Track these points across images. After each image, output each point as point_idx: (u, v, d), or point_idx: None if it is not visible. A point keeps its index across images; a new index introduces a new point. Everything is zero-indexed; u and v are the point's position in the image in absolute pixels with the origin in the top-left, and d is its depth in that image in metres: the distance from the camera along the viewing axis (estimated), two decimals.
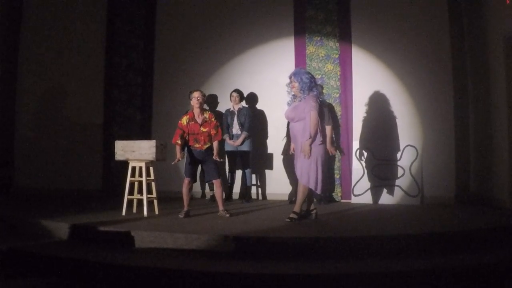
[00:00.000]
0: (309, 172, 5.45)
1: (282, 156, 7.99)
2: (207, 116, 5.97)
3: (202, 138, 5.92)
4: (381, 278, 3.84)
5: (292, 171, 7.63)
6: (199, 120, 5.93)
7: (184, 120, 5.94)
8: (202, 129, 5.91)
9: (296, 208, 5.57)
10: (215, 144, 5.97)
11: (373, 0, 8.03)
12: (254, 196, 8.12)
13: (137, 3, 8.90)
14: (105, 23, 8.93)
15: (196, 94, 5.96)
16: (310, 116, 5.41)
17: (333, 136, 7.30)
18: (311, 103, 5.44)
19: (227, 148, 7.69)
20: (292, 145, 5.82)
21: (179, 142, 5.90)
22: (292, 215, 5.52)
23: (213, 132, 5.94)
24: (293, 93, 5.70)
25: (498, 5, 6.64)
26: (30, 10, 9.13)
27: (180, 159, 5.88)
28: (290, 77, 5.67)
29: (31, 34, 9.09)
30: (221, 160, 6.07)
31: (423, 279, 3.87)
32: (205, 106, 7.83)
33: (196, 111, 5.96)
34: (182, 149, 5.97)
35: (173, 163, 5.89)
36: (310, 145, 5.41)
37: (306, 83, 5.52)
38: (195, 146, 5.94)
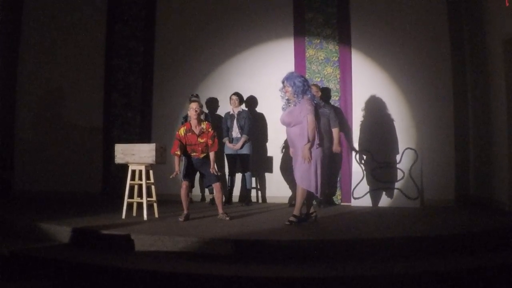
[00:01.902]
0: (309, 176, 5.44)
1: (281, 160, 7.98)
2: (204, 127, 5.98)
3: (200, 148, 5.93)
4: (381, 281, 3.84)
5: (291, 175, 7.67)
6: (197, 131, 5.94)
7: (182, 131, 5.95)
8: (200, 140, 5.92)
9: (296, 211, 5.57)
10: (212, 155, 5.96)
11: (373, 3, 8.04)
12: (254, 199, 8.11)
13: (137, 6, 8.91)
14: (105, 26, 8.95)
15: (193, 106, 5.97)
16: (308, 120, 5.39)
17: (341, 138, 7.42)
18: (306, 106, 5.42)
19: (227, 151, 7.69)
20: (291, 149, 5.81)
21: (178, 152, 5.89)
22: (291, 218, 5.52)
23: (209, 142, 5.94)
24: (287, 98, 5.68)
25: (497, 8, 6.65)
26: (30, 13, 9.14)
27: (178, 173, 5.88)
28: (283, 82, 5.63)
29: (31, 37, 9.10)
30: (219, 173, 6.03)
31: (423, 282, 3.87)
32: (205, 109, 7.89)
33: (193, 122, 5.98)
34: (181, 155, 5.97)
35: (171, 176, 5.86)
36: (310, 149, 5.41)
37: (300, 86, 5.49)
38: (192, 155, 5.97)
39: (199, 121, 6.00)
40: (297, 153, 5.53)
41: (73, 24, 9.02)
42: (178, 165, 5.87)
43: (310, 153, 5.40)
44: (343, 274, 3.91)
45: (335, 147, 7.09)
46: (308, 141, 5.38)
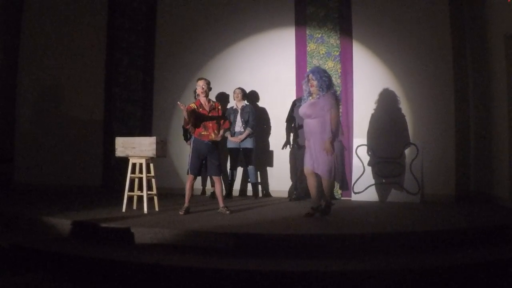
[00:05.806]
0: (333, 167, 5.58)
1: (282, 153, 7.95)
2: (213, 104, 6.06)
3: (211, 125, 5.96)
4: (380, 276, 3.85)
5: (293, 166, 7.70)
6: (207, 108, 6.01)
7: (193, 105, 6.01)
8: (211, 115, 5.98)
9: (324, 199, 5.71)
10: (221, 132, 6.08)
11: None
12: (250, 192, 8.09)
13: (137, 0, 8.89)
14: (106, 20, 8.92)
15: (200, 83, 6.06)
16: (331, 114, 5.52)
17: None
18: (331, 100, 5.55)
19: (230, 145, 7.68)
20: (306, 142, 5.83)
21: (190, 108, 5.88)
22: (325, 207, 5.69)
23: (221, 120, 6.06)
24: (308, 91, 5.74)
25: (499, 4, 6.63)
26: (31, 6, 9.12)
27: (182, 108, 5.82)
28: (308, 75, 5.73)
29: (32, 30, 9.08)
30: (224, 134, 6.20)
31: (423, 277, 3.88)
32: None
33: (202, 99, 6.05)
34: (193, 125, 5.95)
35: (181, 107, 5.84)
36: (332, 142, 5.52)
37: (326, 81, 5.62)
38: (202, 134, 5.93)
39: (208, 99, 6.08)
40: (318, 146, 5.58)
41: (74, 18, 8.99)
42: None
43: (333, 146, 5.51)
44: (343, 268, 3.91)
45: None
46: (332, 133, 5.50)
